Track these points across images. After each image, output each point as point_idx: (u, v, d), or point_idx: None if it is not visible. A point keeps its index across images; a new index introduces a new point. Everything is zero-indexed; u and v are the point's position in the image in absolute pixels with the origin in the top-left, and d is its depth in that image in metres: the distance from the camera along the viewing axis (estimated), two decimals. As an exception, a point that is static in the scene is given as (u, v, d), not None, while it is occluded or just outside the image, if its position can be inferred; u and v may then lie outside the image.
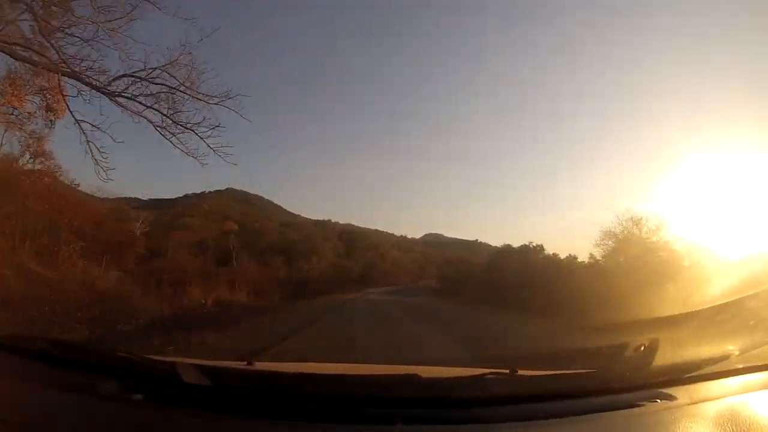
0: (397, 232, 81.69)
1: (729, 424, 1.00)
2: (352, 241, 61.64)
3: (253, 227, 44.00)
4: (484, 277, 26.82)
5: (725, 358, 1.33)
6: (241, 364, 1.48)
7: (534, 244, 27.62)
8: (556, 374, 1.30)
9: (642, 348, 1.56)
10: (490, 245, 50.52)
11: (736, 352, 1.37)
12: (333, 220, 67.23)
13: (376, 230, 68.19)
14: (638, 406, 1.12)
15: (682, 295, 9.67)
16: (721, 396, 1.19)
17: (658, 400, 1.15)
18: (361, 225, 71.31)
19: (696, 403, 1.14)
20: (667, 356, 1.39)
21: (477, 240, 56.09)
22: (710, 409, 1.12)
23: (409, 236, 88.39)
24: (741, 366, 1.32)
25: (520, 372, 1.24)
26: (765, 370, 1.32)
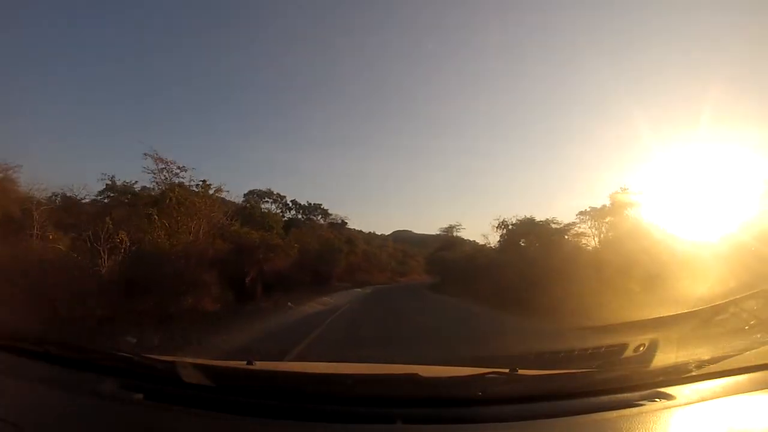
0: (365, 229, 64.34)
1: (728, 424, 1.00)
2: (303, 218, 38.88)
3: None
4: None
5: (725, 358, 1.33)
6: (241, 364, 1.49)
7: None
8: (556, 374, 1.30)
9: (642, 348, 1.56)
10: (469, 240, 40.21)
11: (736, 353, 1.37)
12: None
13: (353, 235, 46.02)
14: (638, 405, 1.12)
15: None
16: (720, 396, 1.19)
17: (658, 400, 1.15)
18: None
19: (695, 402, 1.14)
20: (667, 356, 1.40)
21: (453, 234, 43.27)
22: (710, 408, 1.12)
23: (379, 233, 72.62)
24: (741, 366, 1.33)
25: (520, 372, 1.24)
26: (765, 369, 1.32)
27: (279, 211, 36.88)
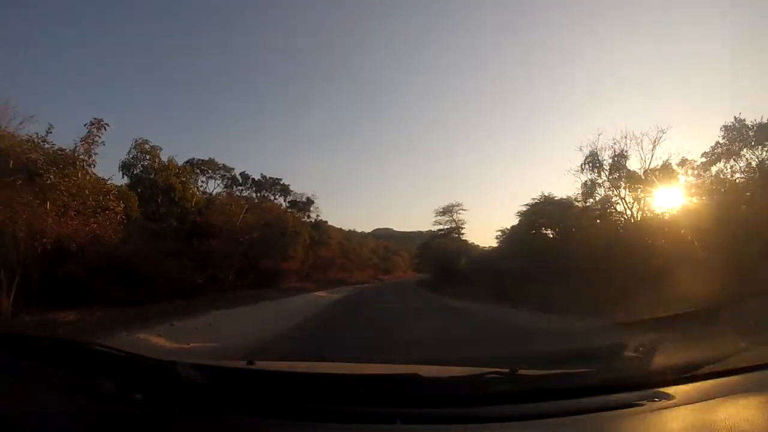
0: (345, 227, 56.10)
1: (728, 424, 1.00)
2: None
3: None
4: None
5: (725, 358, 1.33)
6: (241, 364, 1.49)
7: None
8: (555, 373, 1.30)
9: (642, 348, 1.56)
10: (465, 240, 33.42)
11: (736, 353, 1.37)
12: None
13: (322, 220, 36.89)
14: (638, 405, 1.12)
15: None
16: (720, 396, 1.19)
17: (658, 400, 1.15)
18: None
19: (695, 402, 1.14)
20: (667, 356, 1.40)
21: (453, 216, 34.69)
22: (710, 408, 1.12)
23: (359, 230, 67.04)
24: (741, 366, 1.32)
25: (520, 371, 1.24)
26: (765, 369, 1.32)
27: (224, 188, 28.73)
